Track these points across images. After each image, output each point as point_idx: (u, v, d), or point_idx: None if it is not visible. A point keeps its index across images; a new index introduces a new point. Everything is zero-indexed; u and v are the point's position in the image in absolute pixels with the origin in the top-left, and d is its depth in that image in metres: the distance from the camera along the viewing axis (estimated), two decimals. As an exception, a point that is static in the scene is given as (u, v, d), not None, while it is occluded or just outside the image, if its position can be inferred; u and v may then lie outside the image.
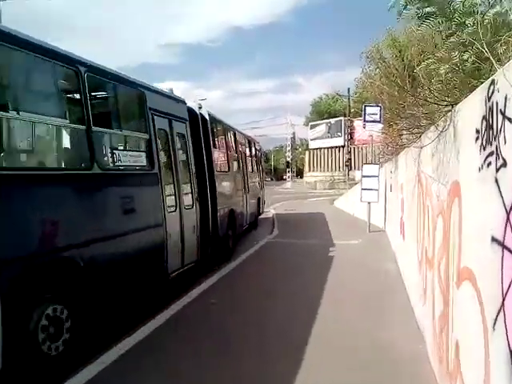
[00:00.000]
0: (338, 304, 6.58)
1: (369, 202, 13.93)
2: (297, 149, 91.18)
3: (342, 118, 52.75)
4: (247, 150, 16.05)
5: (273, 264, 9.73)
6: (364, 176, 13.83)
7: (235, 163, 13.11)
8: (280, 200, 31.05)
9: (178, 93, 9.20)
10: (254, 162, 17.34)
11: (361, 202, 14.64)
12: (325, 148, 54.61)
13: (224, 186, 11.16)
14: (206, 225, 9.20)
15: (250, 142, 16.94)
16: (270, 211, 22.85)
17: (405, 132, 6.45)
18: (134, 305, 6.26)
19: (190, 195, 8.60)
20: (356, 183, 24.94)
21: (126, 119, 7.10)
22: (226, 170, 11.78)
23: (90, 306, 5.10)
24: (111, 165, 6.21)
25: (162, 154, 7.62)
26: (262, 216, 18.61)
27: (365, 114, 12.94)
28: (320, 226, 16.40)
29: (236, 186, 12.80)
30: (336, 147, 53.09)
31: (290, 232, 14.74)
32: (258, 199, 17.43)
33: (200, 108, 9.83)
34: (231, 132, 13.25)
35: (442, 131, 4.00)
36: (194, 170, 8.87)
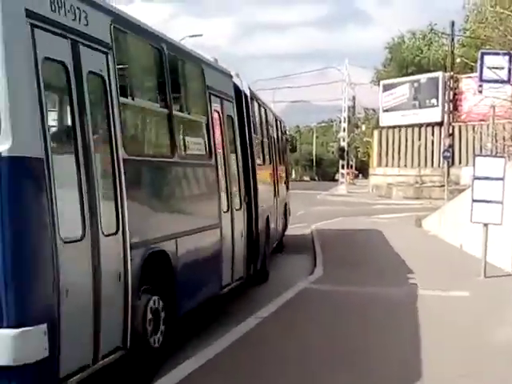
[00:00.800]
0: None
1: (485, 225, 13.76)
2: (358, 126, 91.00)
3: (439, 73, 52.57)
4: (275, 134, 18.66)
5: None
6: (478, 177, 13.68)
7: (268, 153, 16.30)
8: (325, 216, 30.94)
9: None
10: (282, 150, 20.21)
11: (471, 224, 14.46)
12: (407, 126, 54.44)
13: (261, 183, 13.98)
14: (249, 232, 12.39)
15: (277, 123, 19.76)
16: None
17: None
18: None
19: (238, 193, 11.90)
20: (463, 190, 24.75)
21: (190, 100, 10.78)
22: (261, 163, 14.75)
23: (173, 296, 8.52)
24: (184, 153, 9.63)
25: (216, 141, 10.86)
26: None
27: (482, 67, 12.82)
28: (397, 261, 16.38)
29: (269, 186, 16.20)
30: (427, 125, 52.91)
31: (343, 271, 14.83)
32: (285, 206, 19.95)
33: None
34: (264, 111, 16.49)
35: None
36: (241, 163, 12.24)
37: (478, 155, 15.35)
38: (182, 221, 9.31)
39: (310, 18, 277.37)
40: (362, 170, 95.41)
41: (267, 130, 16.61)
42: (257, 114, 14.93)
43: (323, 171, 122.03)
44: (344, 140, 69.32)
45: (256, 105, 14.90)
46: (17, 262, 5.38)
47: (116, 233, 6.80)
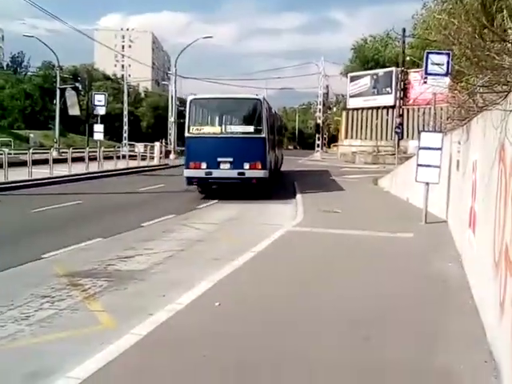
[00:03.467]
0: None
1: (426, 183, 13.81)
2: (330, 108, 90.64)
3: (393, 68, 52.17)
4: (279, 123, 36.21)
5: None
6: (422, 148, 13.66)
7: (278, 133, 32.76)
8: (304, 176, 30.98)
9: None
10: (281, 131, 38.80)
11: (416, 183, 14.51)
12: (368, 108, 54.26)
13: (280, 145, 36.85)
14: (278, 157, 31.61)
15: (281, 120, 37.86)
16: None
17: (484, 90, 6.27)
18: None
19: (278, 146, 32.32)
20: (408, 157, 24.72)
21: (277, 128, 31.54)
22: (279, 138, 35.28)
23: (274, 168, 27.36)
24: (279, 137, 35.15)
25: (279, 136, 34.28)
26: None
27: (426, 63, 12.70)
28: (358, 210, 16.40)
29: (281, 145, 38.92)
30: (383, 107, 52.76)
31: (319, 215, 14.85)
32: (282, 153, 36.81)
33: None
34: (282, 121, 42.06)
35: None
36: (278, 138, 32.54)
37: (423, 131, 15.30)
38: (275, 154, 26.19)
39: (296, 24, 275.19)
40: (333, 141, 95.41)
41: (280, 126, 35.67)
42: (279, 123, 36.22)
43: (303, 142, 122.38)
44: (319, 118, 68.87)
45: (280, 119, 37.49)
46: (265, 157, 20.84)
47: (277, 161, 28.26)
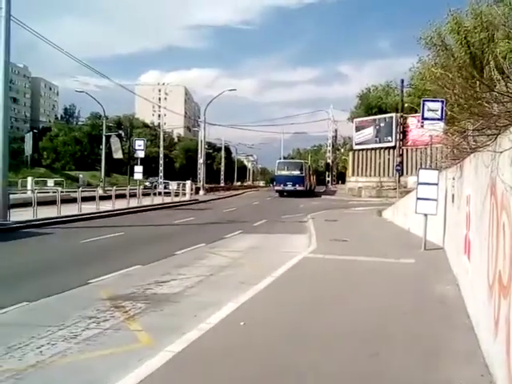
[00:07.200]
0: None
1: (425, 215, 13.65)
2: (339, 149, 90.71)
3: (393, 114, 52.20)
4: (311, 167, 65.61)
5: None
6: (420, 183, 13.54)
7: (311, 174, 61.59)
8: (317, 208, 30.85)
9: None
10: (312, 172, 64.41)
11: (416, 214, 14.36)
12: (372, 149, 54.21)
13: (313, 178, 64.85)
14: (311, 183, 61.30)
15: (310, 165, 65.84)
16: (307, 220, 22.79)
17: (475, 133, 6.21)
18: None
19: (312, 180, 62.34)
20: (408, 191, 24.53)
21: (309, 171, 60.85)
22: (312, 175, 65.03)
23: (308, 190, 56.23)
24: (313, 178, 67.28)
25: (312, 174, 63.96)
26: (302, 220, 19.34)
27: (423, 109, 12.71)
28: (366, 240, 16.23)
29: (312, 178, 64.78)
30: (385, 148, 52.68)
31: (330, 243, 14.73)
32: (315, 183, 66.41)
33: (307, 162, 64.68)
34: (310, 165, 69.30)
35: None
36: (313, 175, 66.24)
37: (421, 168, 15.17)
38: (309, 182, 55.71)
39: (308, 77, 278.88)
40: (341, 177, 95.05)
41: (311, 170, 61.90)
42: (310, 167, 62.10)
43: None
44: (329, 158, 69.22)
45: (311, 168, 64.83)
46: (304, 183, 51.86)
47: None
